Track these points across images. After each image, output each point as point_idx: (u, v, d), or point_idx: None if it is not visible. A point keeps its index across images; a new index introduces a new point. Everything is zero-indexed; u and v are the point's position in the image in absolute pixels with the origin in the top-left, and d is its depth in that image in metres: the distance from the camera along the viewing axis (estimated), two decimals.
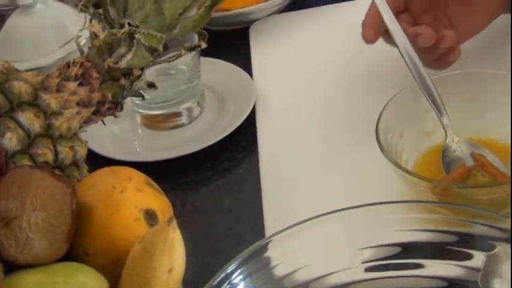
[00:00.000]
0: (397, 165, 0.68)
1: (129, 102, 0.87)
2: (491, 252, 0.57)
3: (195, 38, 0.79)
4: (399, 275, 0.60)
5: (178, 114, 0.90)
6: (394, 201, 0.61)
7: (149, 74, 0.80)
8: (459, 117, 0.74)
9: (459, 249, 0.58)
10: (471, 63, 0.80)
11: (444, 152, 0.73)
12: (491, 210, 0.58)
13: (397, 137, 0.73)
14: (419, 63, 0.74)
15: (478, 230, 0.57)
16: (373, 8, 0.79)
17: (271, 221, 0.74)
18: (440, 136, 0.74)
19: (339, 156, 0.81)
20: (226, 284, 0.57)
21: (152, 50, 0.70)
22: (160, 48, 0.70)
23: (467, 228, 0.58)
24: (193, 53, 0.83)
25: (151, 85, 0.73)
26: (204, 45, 0.76)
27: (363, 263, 0.61)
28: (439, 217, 0.60)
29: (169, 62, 0.75)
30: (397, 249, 0.60)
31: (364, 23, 0.79)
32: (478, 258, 0.57)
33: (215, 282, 0.57)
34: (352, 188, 0.76)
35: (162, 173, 0.83)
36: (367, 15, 0.80)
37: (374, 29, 0.78)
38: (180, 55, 0.74)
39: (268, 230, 0.73)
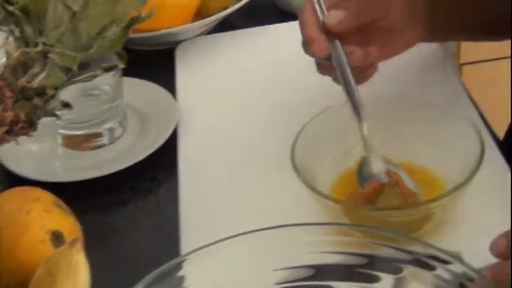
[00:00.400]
0: (311, 187, 0.68)
1: (50, 122, 0.86)
2: (399, 275, 0.57)
3: (115, 58, 0.78)
4: None
5: (99, 135, 0.89)
6: (308, 223, 0.61)
7: (72, 94, 0.79)
8: (378, 140, 0.74)
9: (368, 271, 0.58)
10: (392, 88, 0.81)
11: (361, 165, 0.73)
12: (400, 233, 0.59)
13: (314, 159, 0.73)
14: (349, 70, 0.74)
15: (386, 252, 0.57)
16: (309, 24, 0.75)
17: (188, 243, 0.74)
18: (357, 159, 0.74)
19: (258, 178, 0.81)
20: None
21: (67, 70, 0.69)
22: (75, 68, 0.69)
23: (376, 251, 0.58)
24: (112, 72, 0.83)
25: (66, 105, 0.72)
26: (121, 66, 0.75)
27: (276, 284, 0.60)
28: (351, 239, 0.60)
29: (85, 81, 0.73)
30: (311, 271, 0.60)
31: (306, 39, 0.75)
32: (387, 281, 0.57)
33: None
34: (270, 210, 0.76)
35: (82, 193, 0.82)
36: (307, 31, 0.75)
37: (320, 39, 0.74)
38: (96, 75, 0.73)
39: (184, 252, 0.72)
